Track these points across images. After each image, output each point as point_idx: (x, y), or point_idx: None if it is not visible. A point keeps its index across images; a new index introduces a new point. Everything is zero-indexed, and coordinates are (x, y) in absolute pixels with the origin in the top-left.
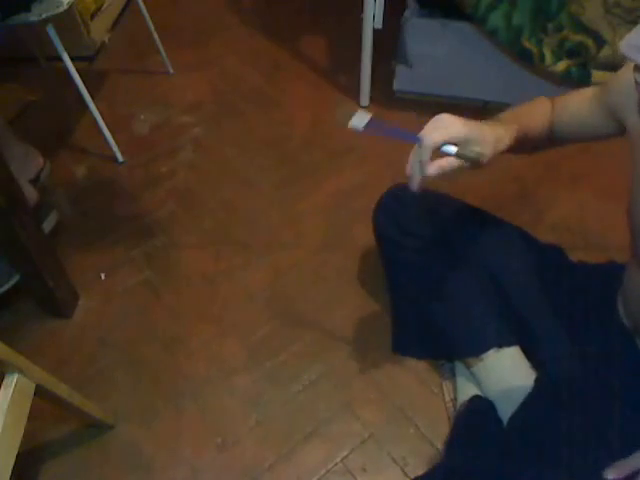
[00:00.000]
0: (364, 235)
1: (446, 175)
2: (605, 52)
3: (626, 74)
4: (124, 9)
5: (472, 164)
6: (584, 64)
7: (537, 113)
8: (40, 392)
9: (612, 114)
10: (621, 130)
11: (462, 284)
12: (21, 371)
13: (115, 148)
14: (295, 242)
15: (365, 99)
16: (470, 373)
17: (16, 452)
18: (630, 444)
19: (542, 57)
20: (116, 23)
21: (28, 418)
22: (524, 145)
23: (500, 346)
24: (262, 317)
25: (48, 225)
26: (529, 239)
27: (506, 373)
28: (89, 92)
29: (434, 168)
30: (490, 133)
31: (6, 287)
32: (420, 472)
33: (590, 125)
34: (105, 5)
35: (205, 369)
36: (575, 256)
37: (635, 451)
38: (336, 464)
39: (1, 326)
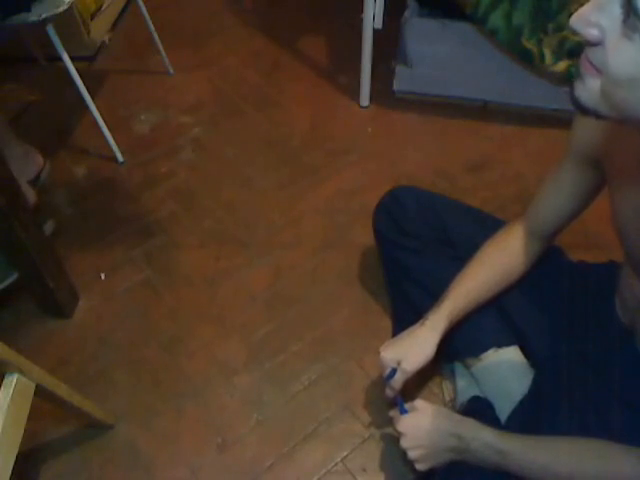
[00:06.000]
0: (364, 235)
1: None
2: None
3: (582, 118)
4: (124, 9)
5: None
6: None
7: (492, 280)
8: (40, 392)
9: (587, 161)
10: (602, 174)
11: None
12: (21, 371)
13: (115, 148)
14: (295, 242)
15: (365, 99)
16: (470, 373)
17: (16, 452)
18: (628, 442)
19: (542, 57)
20: (116, 23)
21: (28, 418)
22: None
23: (499, 346)
24: (262, 317)
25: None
26: None
27: (505, 373)
28: (89, 92)
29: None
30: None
31: (1, 286)
32: (419, 472)
33: (577, 192)
34: (105, 5)
35: (205, 369)
36: (575, 256)
37: None
38: (336, 464)
39: (1, 326)
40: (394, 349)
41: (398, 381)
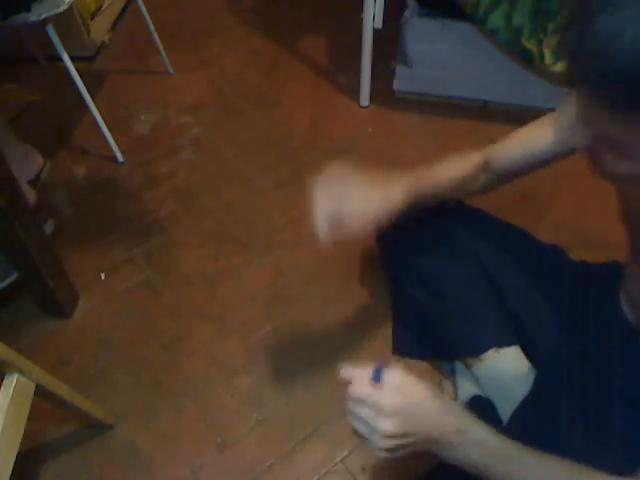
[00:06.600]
0: None
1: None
2: None
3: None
4: (124, 9)
5: None
6: None
7: (459, 165)
8: (40, 392)
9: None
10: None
11: (461, 284)
12: (21, 371)
13: (115, 148)
14: (295, 242)
15: (365, 99)
16: (470, 373)
17: (16, 452)
18: (630, 442)
19: (542, 57)
20: (116, 23)
21: (28, 418)
22: (440, 194)
23: (500, 346)
24: (262, 317)
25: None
26: (529, 239)
27: (506, 373)
28: (89, 92)
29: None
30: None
31: (1, 286)
32: (420, 472)
33: (544, 157)
34: (105, 5)
35: (205, 369)
36: (576, 255)
37: (635, 450)
38: (336, 464)
39: (1, 326)
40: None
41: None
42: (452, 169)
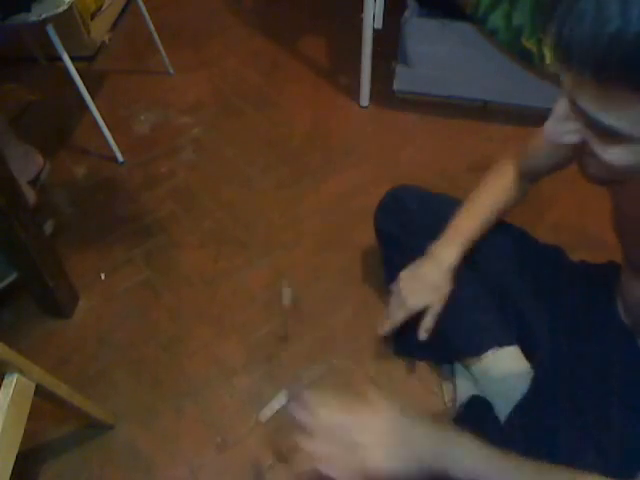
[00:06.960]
0: (364, 235)
1: None
2: None
3: None
4: (124, 9)
5: None
6: None
7: (494, 200)
8: (40, 392)
9: None
10: None
11: (461, 284)
12: (21, 371)
13: (115, 148)
14: (295, 242)
15: (365, 99)
16: (469, 373)
17: (16, 452)
18: (628, 443)
19: (542, 57)
20: (116, 23)
21: (28, 418)
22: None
23: (500, 345)
24: (262, 317)
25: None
26: (529, 239)
27: (505, 373)
28: (89, 92)
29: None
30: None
31: (1, 286)
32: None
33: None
34: (105, 5)
35: (205, 369)
36: (575, 256)
37: (633, 451)
38: None
39: (1, 326)
40: (421, 297)
41: (431, 321)
42: (493, 197)
